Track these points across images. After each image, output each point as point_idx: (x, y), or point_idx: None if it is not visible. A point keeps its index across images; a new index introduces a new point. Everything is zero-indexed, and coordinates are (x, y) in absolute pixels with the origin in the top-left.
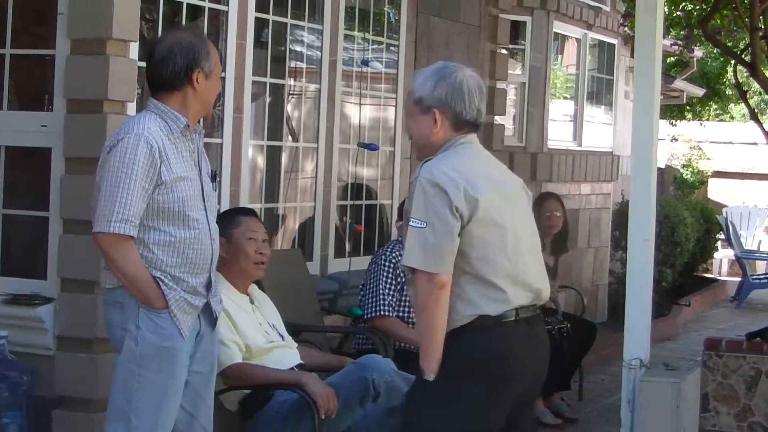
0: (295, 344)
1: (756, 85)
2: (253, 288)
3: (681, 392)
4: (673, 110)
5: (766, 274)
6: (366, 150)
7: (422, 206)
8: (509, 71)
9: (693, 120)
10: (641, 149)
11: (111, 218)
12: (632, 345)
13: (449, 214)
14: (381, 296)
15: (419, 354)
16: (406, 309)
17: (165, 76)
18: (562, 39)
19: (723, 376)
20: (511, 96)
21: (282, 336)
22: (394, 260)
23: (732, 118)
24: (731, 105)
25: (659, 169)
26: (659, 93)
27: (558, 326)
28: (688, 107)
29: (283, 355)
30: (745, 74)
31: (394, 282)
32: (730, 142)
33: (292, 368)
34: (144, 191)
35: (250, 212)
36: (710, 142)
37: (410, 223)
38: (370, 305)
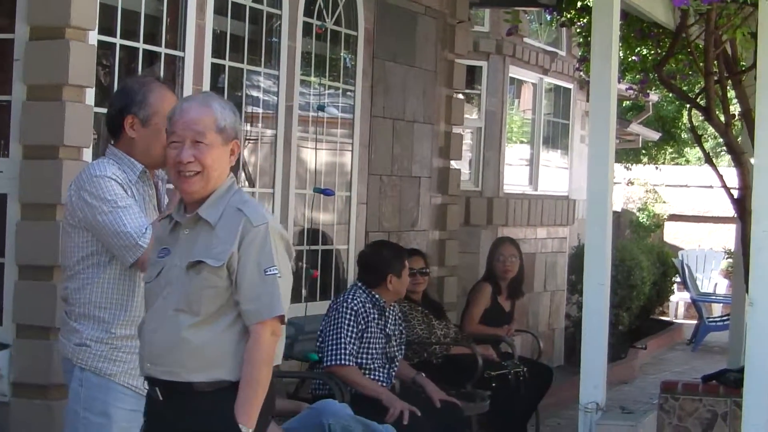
0: None
1: (711, 129)
2: None
3: None
4: (628, 154)
5: (722, 316)
6: (322, 195)
7: (275, 255)
8: (465, 116)
9: (649, 164)
10: (596, 193)
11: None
12: (588, 388)
13: (290, 263)
14: (342, 344)
15: (245, 408)
16: (365, 356)
17: (107, 121)
18: (518, 83)
19: (679, 418)
20: (468, 141)
21: None
22: (355, 308)
23: (687, 161)
24: (687, 148)
25: (615, 212)
26: (614, 137)
27: (514, 370)
28: (643, 151)
29: None
30: (701, 118)
31: (355, 330)
32: (686, 186)
33: None
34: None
35: None
36: (666, 185)
37: (268, 273)
38: (330, 353)
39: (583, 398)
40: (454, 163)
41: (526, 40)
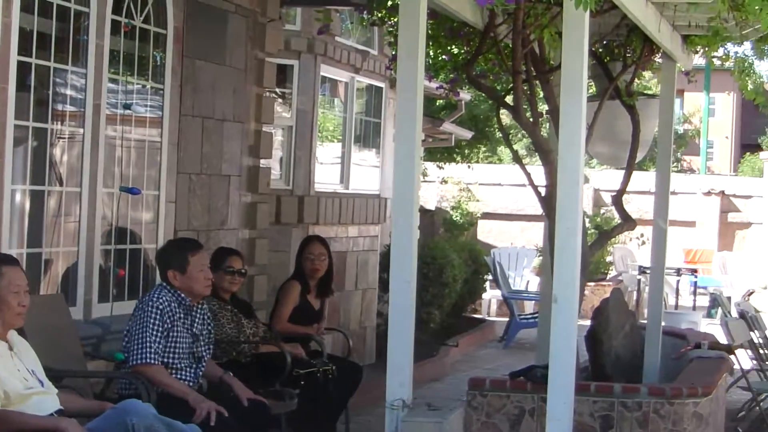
0: (55, 390)
1: None
2: (12, 334)
3: None
4: (442, 153)
5: (533, 313)
6: (129, 194)
7: None
8: (276, 115)
9: (462, 162)
10: (402, 191)
11: None
12: (394, 386)
13: None
14: (147, 343)
15: None
16: (172, 355)
17: None
18: (330, 82)
19: (487, 415)
20: (279, 139)
21: (41, 382)
22: (161, 306)
23: (500, 160)
24: (500, 147)
25: (429, 211)
26: (420, 135)
27: (323, 368)
28: (457, 150)
29: (42, 401)
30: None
31: (161, 329)
32: (500, 184)
33: (52, 414)
34: None
35: (12, 261)
36: (480, 184)
37: None
38: (135, 352)
39: (389, 396)
40: (264, 162)
41: (337, 38)
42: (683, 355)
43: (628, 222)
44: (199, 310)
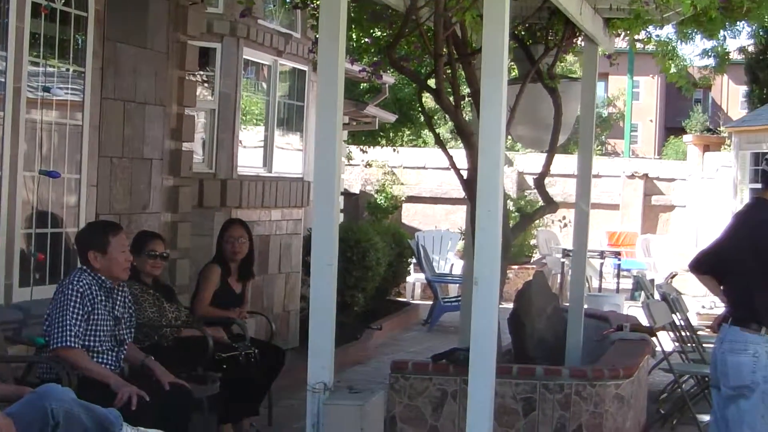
0: None
1: None
2: None
3: (365, 415)
4: (366, 136)
5: (457, 296)
6: (49, 178)
7: None
8: (199, 98)
9: (387, 146)
10: (323, 174)
11: None
12: (316, 369)
13: None
14: (68, 327)
15: None
16: (92, 338)
17: None
18: (253, 65)
19: (410, 398)
20: (201, 122)
21: None
22: (81, 289)
23: (425, 143)
24: (425, 131)
25: (353, 194)
26: (341, 118)
27: (245, 352)
28: (381, 133)
29: None
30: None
31: (81, 312)
32: (424, 167)
33: None
34: None
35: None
36: (404, 167)
37: None
38: (55, 335)
39: (310, 379)
40: (186, 145)
41: (260, 21)
42: (605, 338)
43: (551, 205)
44: (120, 293)
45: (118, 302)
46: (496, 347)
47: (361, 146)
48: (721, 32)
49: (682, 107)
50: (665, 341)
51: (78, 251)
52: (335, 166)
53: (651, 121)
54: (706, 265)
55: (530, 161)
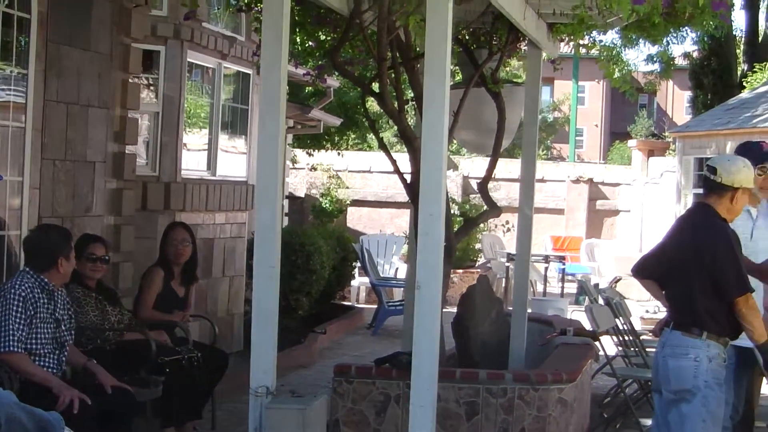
0: None
1: None
2: None
3: (306, 419)
4: (312, 140)
5: (401, 300)
6: None
7: None
8: (143, 100)
9: (332, 149)
10: (266, 177)
11: None
12: (258, 373)
13: None
14: (11, 331)
15: None
16: (34, 342)
17: None
18: (198, 68)
19: (353, 402)
20: (145, 124)
21: None
22: (23, 293)
23: (370, 147)
24: (370, 134)
25: (299, 198)
26: (284, 121)
27: (188, 355)
28: (326, 137)
29: None
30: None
31: (23, 316)
32: (369, 171)
33: None
34: None
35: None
36: (349, 170)
37: None
38: None
39: (253, 382)
40: (130, 148)
41: (205, 24)
42: (549, 342)
43: (494, 209)
44: (60, 295)
45: (59, 304)
46: (440, 351)
47: (307, 150)
48: (666, 38)
49: (627, 112)
50: (608, 345)
51: (39, 255)
52: (277, 170)
53: (596, 125)
54: (648, 270)
55: (476, 166)
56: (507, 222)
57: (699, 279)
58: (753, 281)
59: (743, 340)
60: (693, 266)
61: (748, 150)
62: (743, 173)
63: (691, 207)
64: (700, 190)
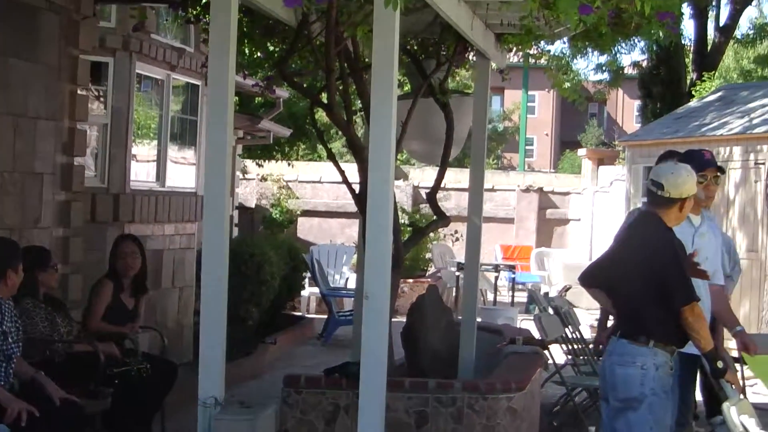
0: None
1: None
2: None
3: (255, 429)
4: (262, 150)
5: (351, 310)
6: None
7: None
8: (91, 112)
9: (282, 160)
10: (213, 188)
11: None
12: (207, 384)
13: None
14: None
15: None
16: None
17: None
18: (147, 80)
19: (302, 412)
20: (94, 135)
21: None
22: None
23: (320, 157)
24: (320, 145)
25: (249, 209)
26: (231, 132)
27: (137, 367)
28: (276, 147)
29: None
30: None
31: None
32: (320, 181)
33: None
34: None
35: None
36: (300, 181)
37: None
38: None
39: (201, 394)
40: (78, 160)
41: (153, 36)
42: (499, 351)
43: (442, 219)
44: (8, 307)
45: (6, 316)
46: (388, 361)
47: (257, 160)
48: (615, 47)
49: (577, 121)
50: (558, 354)
51: None
52: (225, 180)
53: (546, 134)
54: (595, 279)
55: (426, 176)
56: (456, 231)
57: (645, 288)
58: (699, 290)
59: (688, 347)
60: (639, 275)
61: (690, 158)
62: (689, 182)
63: (637, 216)
64: None
